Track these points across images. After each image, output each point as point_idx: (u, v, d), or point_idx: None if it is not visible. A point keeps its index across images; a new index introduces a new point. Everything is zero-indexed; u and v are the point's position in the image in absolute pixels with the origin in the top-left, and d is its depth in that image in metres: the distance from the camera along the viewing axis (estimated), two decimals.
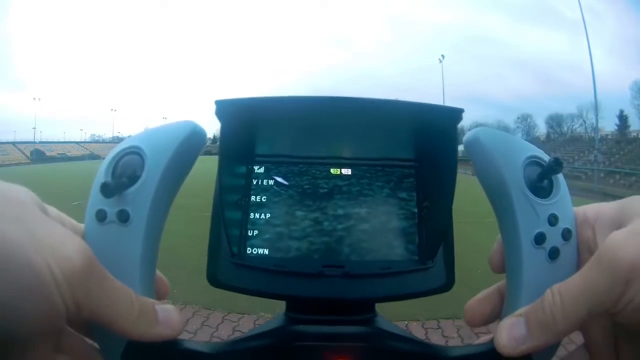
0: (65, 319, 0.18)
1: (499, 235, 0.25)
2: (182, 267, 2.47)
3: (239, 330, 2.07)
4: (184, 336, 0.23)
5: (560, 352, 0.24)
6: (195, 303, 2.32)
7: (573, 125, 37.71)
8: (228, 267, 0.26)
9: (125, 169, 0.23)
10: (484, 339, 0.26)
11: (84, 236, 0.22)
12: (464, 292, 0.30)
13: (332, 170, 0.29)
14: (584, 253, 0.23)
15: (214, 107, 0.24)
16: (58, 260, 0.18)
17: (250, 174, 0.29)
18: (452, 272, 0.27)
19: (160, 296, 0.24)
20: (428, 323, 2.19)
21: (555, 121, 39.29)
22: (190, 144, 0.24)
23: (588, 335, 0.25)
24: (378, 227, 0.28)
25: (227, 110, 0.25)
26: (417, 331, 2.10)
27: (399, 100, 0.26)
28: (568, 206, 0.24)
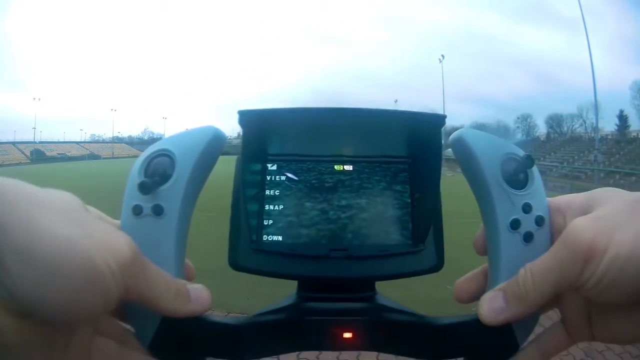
0: (117, 302, 0.21)
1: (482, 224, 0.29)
2: None
3: None
4: None
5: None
6: None
7: (573, 125, 37.81)
8: (247, 253, 0.30)
9: (157, 169, 0.26)
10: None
11: (121, 229, 0.26)
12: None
13: (335, 167, 0.33)
14: (556, 237, 0.25)
15: (236, 116, 0.29)
16: (111, 253, 0.20)
17: (265, 171, 0.33)
18: (441, 255, 0.31)
19: (188, 279, 0.28)
20: None
21: (555, 121, 39.33)
22: (214, 145, 0.27)
23: (564, 312, 0.28)
24: (376, 216, 0.32)
25: (248, 119, 0.29)
26: None
27: (393, 110, 0.30)
28: (541, 196, 0.27)
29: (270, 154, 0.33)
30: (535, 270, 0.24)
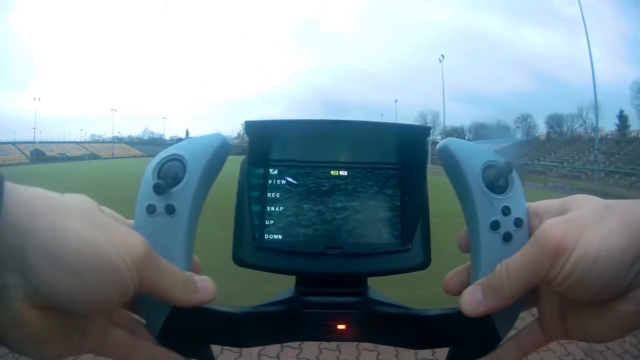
0: (132, 294, 0.23)
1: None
2: None
3: None
4: None
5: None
6: None
7: (573, 125, 37.76)
8: (250, 250, 0.32)
9: (169, 172, 0.29)
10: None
11: (134, 227, 0.28)
12: None
13: (332, 172, 0.36)
14: None
15: (242, 126, 0.33)
16: (127, 250, 0.23)
17: (267, 175, 0.36)
18: (428, 254, 0.34)
19: (195, 271, 0.30)
20: None
21: (555, 121, 39.32)
22: (221, 151, 0.30)
23: (540, 310, 0.30)
24: (369, 217, 0.35)
25: (253, 128, 0.32)
26: None
27: (385, 122, 0.33)
28: (520, 200, 0.30)
29: (272, 159, 0.36)
30: (510, 265, 0.26)
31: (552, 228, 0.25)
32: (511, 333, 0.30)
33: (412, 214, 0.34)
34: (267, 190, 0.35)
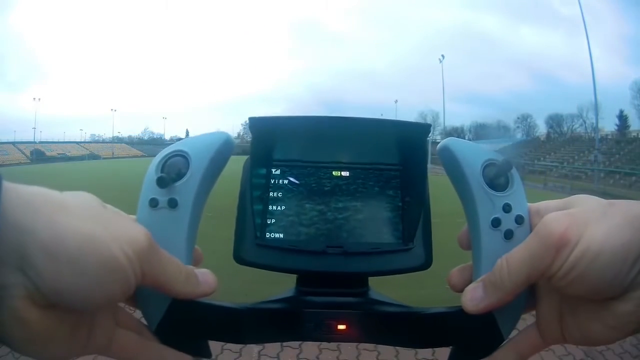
0: (134, 287, 0.24)
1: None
2: None
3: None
4: None
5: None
6: None
7: (573, 125, 37.68)
8: (251, 248, 0.33)
9: (172, 167, 0.29)
10: None
11: (137, 220, 0.28)
12: None
13: (333, 173, 0.36)
14: None
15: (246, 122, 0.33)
16: (128, 243, 0.23)
17: (269, 175, 0.36)
18: (430, 255, 0.33)
19: (195, 263, 0.30)
20: None
21: (555, 121, 39.25)
22: (224, 149, 0.31)
23: (538, 313, 0.30)
24: (370, 217, 0.35)
25: (257, 124, 0.32)
26: None
27: (387, 119, 0.34)
28: (521, 197, 0.30)
29: (275, 159, 0.36)
30: (511, 260, 0.26)
31: (555, 221, 0.25)
32: (514, 333, 0.30)
33: (413, 214, 0.34)
34: (270, 189, 0.35)
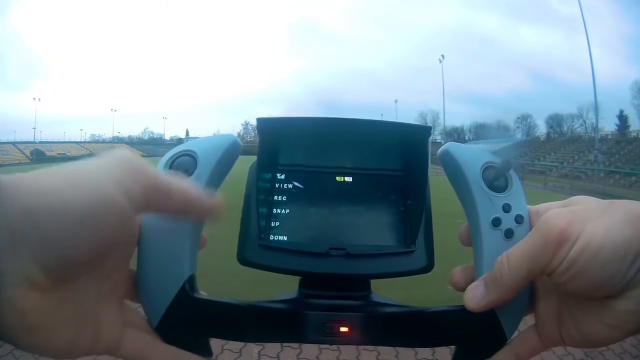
0: (134, 216, 0.24)
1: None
2: None
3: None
4: None
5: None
6: None
7: (573, 125, 37.71)
8: (255, 249, 0.33)
9: (180, 166, 0.30)
10: None
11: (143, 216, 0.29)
12: None
13: (337, 178, 0.37)
14: None
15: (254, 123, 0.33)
16: (116, 170, 0.23)
17: (274, 179, 0.37)
18: (431, 258, 0.34)
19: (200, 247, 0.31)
20: None
21: (555, 121, 39.28)
22: (231, 150, 0.31)
23: (537, 315, 0.30)
24: (373, 220, 0.36)
25: (265, 125, 0.33)
26: None
27: (394, 122, 0.34)
28: (520, 198, 0.31)
29: (280, 164, 0.37)
30: (511, 255, 0.26)
31: (555, 217, 0.25)
32: (516, 333, 0.30)
33: (414, 217, 0.35)
34: (275, 193, 0.36)
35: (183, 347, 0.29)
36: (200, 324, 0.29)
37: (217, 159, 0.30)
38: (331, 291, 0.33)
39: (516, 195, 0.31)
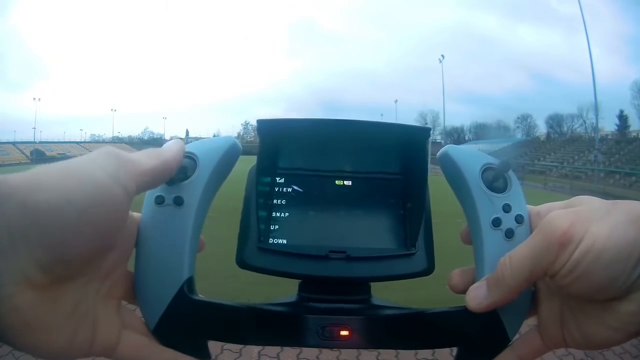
0: (129, 202, 0.24)
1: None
2: None
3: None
4: None
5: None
6: None
7: (573, 125, 37.66)
8: (254, 253, 0.33)
9: (180, 167, 0.29)
10: None
11: (142, 216, 0.29)
12: None
13: (336, 182, 0.37)
14: None
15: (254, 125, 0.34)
16: (106, 163, 0.23)
17: (274, 182, 0.37)
18: (432, 261, 0.34)
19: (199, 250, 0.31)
20: None
21: (555, 121, 39.22)
22: (231, 153, 0.32)
23: (540, 317, 0.30)
24: (372, 223, 0.36)
25: (265, 127, 0.33)
26: None
27: (389, 122, 0.34)
28: (520, 198, 0.31)
29: (280, 167, 0.37)
30: (514, 256, 0.26)
31: (558, 218, 0.25)
32: (517, 335, 0.30)
33: (414, 220, 0.35)
34: (274, 196, 0.36)
35: (181, 349, 0.29)
36: (198, 326, 0.29)
37: (217, 160, 0.31)
38: (331, 294, 0.33)
39: (516, 196, 0.31)
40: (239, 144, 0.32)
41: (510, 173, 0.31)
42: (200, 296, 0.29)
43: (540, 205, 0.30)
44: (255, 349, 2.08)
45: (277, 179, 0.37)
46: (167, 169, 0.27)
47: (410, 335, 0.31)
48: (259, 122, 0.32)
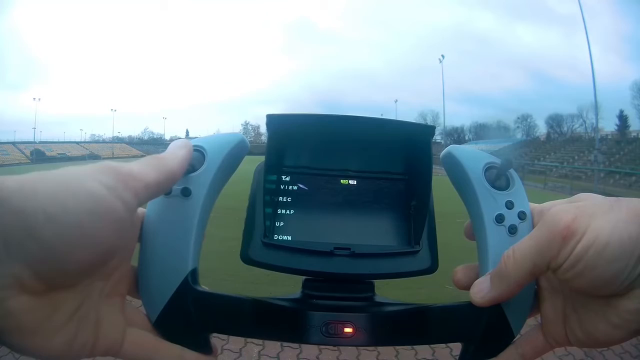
0: (129, 216, 0.23)
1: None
2: None
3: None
4: None
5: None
6: None
7: (573, 125, 37.66)
8: (259, 248, 0.33)
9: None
10: None
11: (148, 206, 0.29)
12: None
13: (341, 181, 0.37)
14: None
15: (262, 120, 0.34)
16: (104, 172, 0.22)
17: (280, 181, 0.37)
18: (436, 259, 0.34)
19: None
20: None
21: (555, 121, 39.21)
22: (238, 148, 0.32)
23: (543, 315, 0.30)
24: (377, 221, 0.36)
25: (274, 122, 0.33)
26: None
27: (394, 119, 0.34)
28: (522, 195, 0.31)
29: (286, 165, 0.37)
30: (517, 250, 0.26)
31: (562, 212, 0.25)
32: (519, 335, 0.30)
33: (419, 218, 0.35)
34: (280, 194, 0.36)
35: (183, 342, 0.28)
36: (201, 318, 0.29)
37: (225, 155, 0.31)
38: (335, 292, 0.33)
39: (518, 193, 0.31)
40: (247, 141, 0.33)
41: (512, 171, 0.32)
42: (204, 287, 0.29)
43: (543, 203, 0.31)
44: (255, 349, 2.08)
45: (284, 177, 0.37)
46: (171, 180, 0.26)
47: (415, 331, 0.31)
48: (269, 117, 0.32)
